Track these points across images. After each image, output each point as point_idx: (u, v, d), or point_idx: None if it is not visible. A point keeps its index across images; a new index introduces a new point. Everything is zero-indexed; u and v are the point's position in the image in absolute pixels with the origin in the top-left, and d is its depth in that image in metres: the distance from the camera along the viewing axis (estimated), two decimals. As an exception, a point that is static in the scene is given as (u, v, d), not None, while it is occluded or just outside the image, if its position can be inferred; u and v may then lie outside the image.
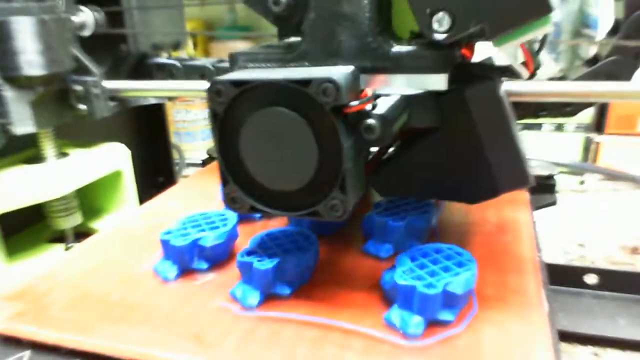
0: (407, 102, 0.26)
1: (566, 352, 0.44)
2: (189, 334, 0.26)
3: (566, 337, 0.44)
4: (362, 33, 0.26)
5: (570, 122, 1.11)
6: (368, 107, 0.23)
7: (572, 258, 0.65)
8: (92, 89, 0.44)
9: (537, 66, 0.32)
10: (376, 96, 0.25)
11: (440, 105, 0.27)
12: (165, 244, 0.31)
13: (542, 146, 1.12)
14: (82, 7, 0.47)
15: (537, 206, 0.40)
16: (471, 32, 0.24)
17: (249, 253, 0.29)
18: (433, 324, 0.25)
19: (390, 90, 0.26)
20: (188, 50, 0.70)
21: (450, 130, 0.27)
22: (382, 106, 0.24)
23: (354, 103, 0.23)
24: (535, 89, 0.29)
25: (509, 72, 0.31)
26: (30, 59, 0.41)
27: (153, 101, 0.57)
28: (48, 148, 0.49)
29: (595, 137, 1.08)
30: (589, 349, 0.44)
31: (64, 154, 0.51)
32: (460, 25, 0.24)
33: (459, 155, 0.28)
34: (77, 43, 0.46)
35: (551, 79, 0.39)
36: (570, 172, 1.03)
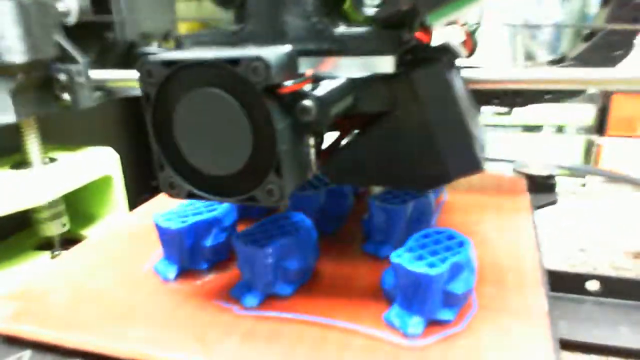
0: (353, 85, 0.26)
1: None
2: (189, 334, 0.26)
3: (568, 345, 0.43)
4: (307, 13, 0.25)
5: (571, 124, 1.11)
6: (307, 88, 0.23)
7: (573, 263, 0.65)
8: (76, 77, 0.43)
9: (475, 46, 0.33)
10: (318, 78, 0.24)
11: (389, 89, 0.26)
12: (158, 227, 0.31)
13: (542, 148, 1.12)
14: None
15: (537, 206, 0.40)
16: (403, 8, 0.24)
17: (246, 235, 0.28)
18: (433, 323, 0.25)
19: (338, 73, 0.26)
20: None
21: (399, 114, 0.27)
22: (322, 88, 0.23)
23: (288, 83, 0.22)
24: (500, 76, 0.29)
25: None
26: (10, 45, 0.39)
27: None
28: (34, 153, 0.47)
29: (597, 139, 1.08)
30: (592, 357, 0.43)
31: (51, 159, 0.49)
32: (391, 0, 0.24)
33: (409, 140, 0.27)
34: (61, 30, 0.44)
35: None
36: (571, 174, 1.03)
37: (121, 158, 0.53)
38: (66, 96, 0.43)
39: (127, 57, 0.52)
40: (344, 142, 0.30)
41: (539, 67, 0.42)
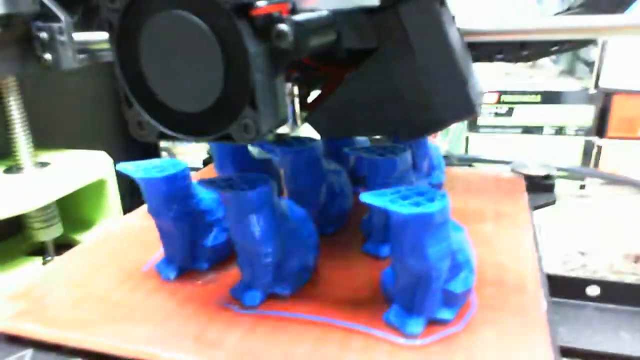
0: (334, 18, 0.24)
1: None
2: (190, 333, 0.26)
3: (568, 353, 0.42)
4: None
5: (571, 126, 1.11)
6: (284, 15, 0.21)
7: (573, 267, 0.64)
8: (58, 36, 0.40)
9: None
10: (297, 11, 0.22)
11: (375, 24, 0.24)
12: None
13: (542, 150, 1.12)
14: None
15: (536, 205, 0.40)
16: None
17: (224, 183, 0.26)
18: (432, 323, 0.25)
19: (319, 7, 0.23)
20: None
21: (386, 52, 0.25)
22: (301, 15, 0.21)
23: (262, 4, 0.20)
24: (500, 27, 0.27)
25: None
26: None
27: None
28: (26, 157, 0.46)
29: (596, 141, 1.08)
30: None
31: (44, 164, 0.48)
32: None
33: (397, 81, 0.25)
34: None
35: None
36: (570, 176, 1.02)
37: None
38: (48, 56, 0.41)
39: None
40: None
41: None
